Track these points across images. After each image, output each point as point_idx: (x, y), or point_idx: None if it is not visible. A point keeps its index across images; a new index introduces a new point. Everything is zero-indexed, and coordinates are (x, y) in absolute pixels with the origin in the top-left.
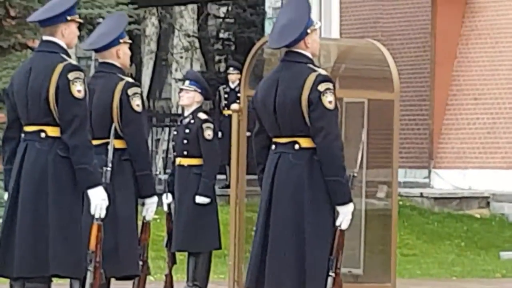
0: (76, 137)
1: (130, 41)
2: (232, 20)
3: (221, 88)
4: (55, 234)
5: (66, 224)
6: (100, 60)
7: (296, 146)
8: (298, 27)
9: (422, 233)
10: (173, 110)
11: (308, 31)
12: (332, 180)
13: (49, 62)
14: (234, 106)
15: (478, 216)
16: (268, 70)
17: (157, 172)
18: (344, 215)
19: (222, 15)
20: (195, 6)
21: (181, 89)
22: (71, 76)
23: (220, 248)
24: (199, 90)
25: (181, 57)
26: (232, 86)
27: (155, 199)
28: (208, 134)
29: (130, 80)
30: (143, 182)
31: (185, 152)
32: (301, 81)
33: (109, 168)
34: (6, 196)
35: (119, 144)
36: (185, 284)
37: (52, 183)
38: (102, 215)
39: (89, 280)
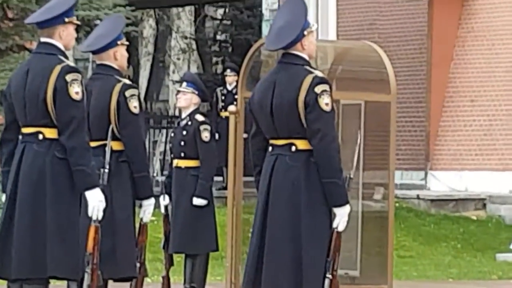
0: (74, 138)
1: (127, 43)
2: (229, 22)
3: (218, 90)
4: (53, 236)
5: (63, 226)
6: (98, 62)
7: (293, 148)
8: (295, 29)
9: (419, 235)
10: (171, 112)
11: (305, 33)
12: (328, 182)
13: (46, 64)
14: (231, 108)
15: (475, 218)
16: (265, 72)
17: (155, 174)
18: (341, 217)
19: (219, 17)
20: (192, 8)
21: (178, 91)
22: (68, 78)
23: (217, 250)
24: (196, 92)
25: (179, 59)
26: (229, 88)
27: (152, 201)
28: (205, 136)
29: (128, 82)
30: (141, 184)
31: (182, 154)
32: (298, 83)
33: (106, 170)
34: (3, 198)
35: (116, 146)
36: (182, 286)
37: (49, 185)
38: (100, 217)
39: (86, 282)
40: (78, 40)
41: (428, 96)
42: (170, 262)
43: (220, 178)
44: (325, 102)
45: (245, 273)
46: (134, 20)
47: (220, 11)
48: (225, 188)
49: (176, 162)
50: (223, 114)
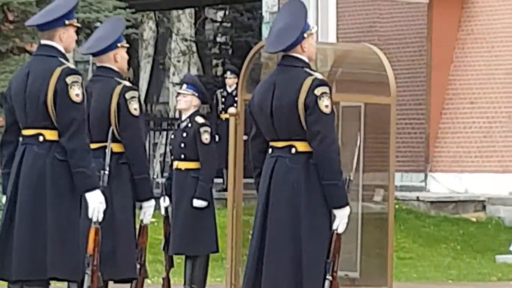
0: (74, 140)
1: (127, 45)
2: (229, 24)
3: (218, 92)
4: (53, 237)
5: (64, 228)
6: (98, 64)
7: (293, 150)
8: (294, 32)
9: (419, 237)
10: (171, 114)
11: (305, 35)
12: (328, 184)
13: (47, 66)
14: (231, 110)
15: (474, 219)
16: (265, 74)
17: (155, 176)
18: (341, 219)
19: (219, 19)
20: (192, 10)
21: (179, 93)
22: (69, 80)
23: (217, 251)
24: (197, 94)
25: (179, 61)
26: (229, 90)
27: (152, 202)
28: (206, 137)
29: (128, 84)
30: (141, 186)
31: (182, 156)
32: (298, 85)
33: (106, 172)
34: (4, 199)
35: (116, 147)
36: (182, 287)
37: (50, 187)
38: (100, 219)
39: (86, 283)
40: (78, 42)
41: (428, 98)
42: (170, 264)
43: (220, 180)
44: (325, 104)
45: (245, 274)
46: (134, 22)
47: (220, 13)
48: (225, 189)
49: (176, 164)
50: (223, 116)
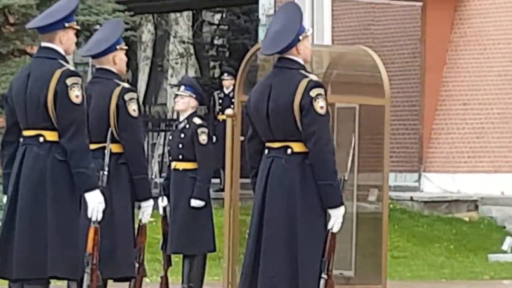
0: (74, 141)
1: (126, 48)
2: (226, 27)
3: (215, 93)
4: (53, 236)
5: (64, 227)
6: (97, 66)
7: (289, 151)
8: (290, 34)
9: (412, 236)
10: (169, 115)
11: (300, 37)
12: (323, 184)
13: (47, 68)
14: (228, 111)
15: (467, 219)
16: (262, 76)
17: (153, 176)
18: (336, 218)
19: (216, 22)
20: (190, 13)
21: (176, 95)
22: (69, 81)
23: (214, 250)
24: (194, 96)
25: (177, 63)
26: (226, 91)
27: (151, 202)
28: (203, 138)
29: (127, 85)
30: (139, 186)
31: (180, 156)
32: (293, 87)
33: (106, 172)
34: (5, 199)
35: (115, 148)
36: (180, 285)
37: (50, 187)
38: (99, 218)
39: (86, 282)
40: (78, 44)
41: (421, 99)
42: (168, 263)
43: (217, 180)
44: (320, 105)
45: (242, 273)
46: (133, 25)
47: (218, 16)
48: (222, 190)
49: (174, 164)
50: (220, 117)
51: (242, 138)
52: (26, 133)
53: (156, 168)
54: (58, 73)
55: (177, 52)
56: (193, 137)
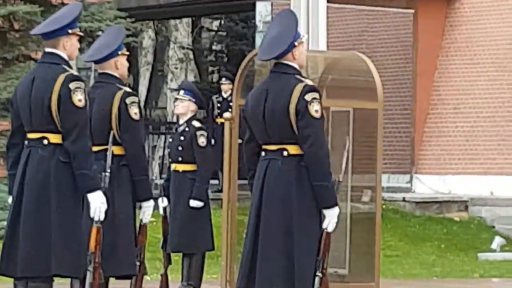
0: (77, 144)
1: (127, 53)
2: (224, 33)
3: (214, 97)
4: (57, 236)
5: (67, 227)
6: (100, 71)
7: (285, 153)
8: (286, 40)
9: (404, 235)
10: (169, 119)
11: (296, 43)
12: (318, 185)
13: (51, 72)
14: (227, 114)
15: (457, 219)
16: (259, 80)
17: (154, 177)
18: (330, 218)
19: (215, 28)
20: (189, 19)
21: (176, 99)
22: (72, 86)
23: (213, 249)
24: (193, 100)
25: (176, 68)
26: (225, 95)
27: (151, 202)
28: (202, 141)
29: (128, 89)
30: (140, 187)
31: (179, 158)
32: (289, 91)
33: (108, 173)
34: (10, 200)
35: (117, 150)
36: (180, 283)
37: (54, 188)
38: (101, 218)
39: (88, 279)
40: (81, 50)
41: (413, 103)
42: (168, 261)
43: (216, 181)
44: (315, 109)
45: (240, 271)
46: (134, 31)
47: (216, 23)
48: (221, 190)
49: (174, 166)
50: (219, 120)
51: (240, 140)
52: (31, 135)
53: (156, 169)
54: (61, 77)
55: (177, 58)
56: (192, 140)
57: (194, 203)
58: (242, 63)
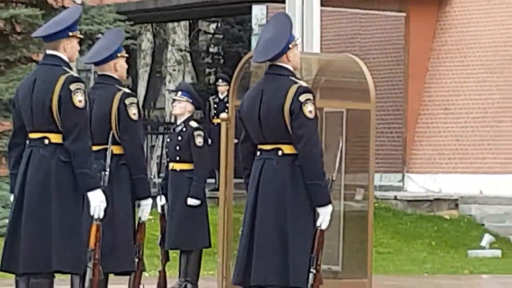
0: (77, 143)
1: (127, 55)
2: (221, 36)
3: (211, 98)
4: (58, 233)
5: (67, 224)
6: (99, 73)
7: (279, 153)
8: (280, 43)
9: (396, 233)
10: (167, 119)
11: (290, 46)
12: (312, 184)
13: (52, 74)
14: (223, 115)
15: (448, 217)
16: (254, 82)
17: (152, 176)
18: (324, 216)
19: (212, 31)
20: (187, 22)
21: (174, 100)
22: (72, 87)
23: (210, 246)
24: (191, 101)
25: (174, 70)
26: (221, 96)
27: (150, 201)
28: (199, 141)
29: (127, 90)
30: (139, 185)
31: (177, 158)
32: (284, 92)
33: (107, 172)
34: (12, 198)
35: (116, 150)
36: (178, 279)
37: (54, 186)
38: (101, 216)
39: (88, 276)
40: (81, 52)
41: (405, 104)
42: (166, 258)
43: (212, 180)
44: (308, 110)
45: (236, 267)
46: (133, 34)
47: (213, 25)
48: (217, 189)
49: (171, 165)
50: (215, 121)
51: (236, 140)
52: (32, 135)
53: (154, 168)
54: (62, 79)
55: (174, 60)
56: (190, 140)
57: (191, 201)
58: (238, 65)
